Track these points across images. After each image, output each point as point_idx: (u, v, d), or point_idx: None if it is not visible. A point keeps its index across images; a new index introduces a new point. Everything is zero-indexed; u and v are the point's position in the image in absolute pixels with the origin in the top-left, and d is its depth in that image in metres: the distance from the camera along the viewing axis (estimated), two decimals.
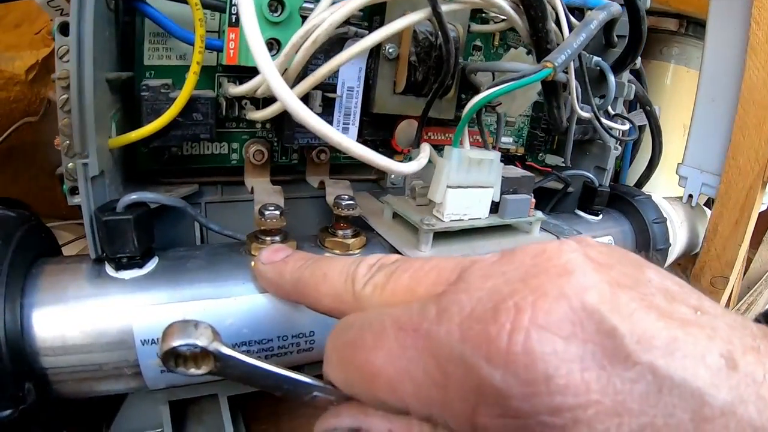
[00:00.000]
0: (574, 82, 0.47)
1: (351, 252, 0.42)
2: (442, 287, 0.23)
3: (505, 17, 0.42)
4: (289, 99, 0.32)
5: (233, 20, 0.38)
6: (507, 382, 0.18)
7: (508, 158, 0.64)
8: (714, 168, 0.69)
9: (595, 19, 0.42)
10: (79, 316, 0.33)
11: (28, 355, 0.32)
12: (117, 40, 0.38)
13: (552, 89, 0.44)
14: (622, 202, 0.66)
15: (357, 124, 0.47)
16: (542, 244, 0.22)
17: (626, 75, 0.60)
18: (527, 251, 0.22)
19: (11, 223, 0.35)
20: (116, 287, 0.35)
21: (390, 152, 0.53)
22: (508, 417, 0.18)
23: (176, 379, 0.36)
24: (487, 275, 0.21)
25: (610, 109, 0.58)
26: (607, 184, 0.63)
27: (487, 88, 0.39)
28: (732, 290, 0.71)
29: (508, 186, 0.46)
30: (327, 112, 0.44)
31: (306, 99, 0.41)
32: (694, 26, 0.94)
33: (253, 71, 0.38)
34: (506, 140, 0.63)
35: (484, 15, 0.51)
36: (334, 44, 0.40)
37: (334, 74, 0.42)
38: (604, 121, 0.55)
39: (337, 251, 0.42)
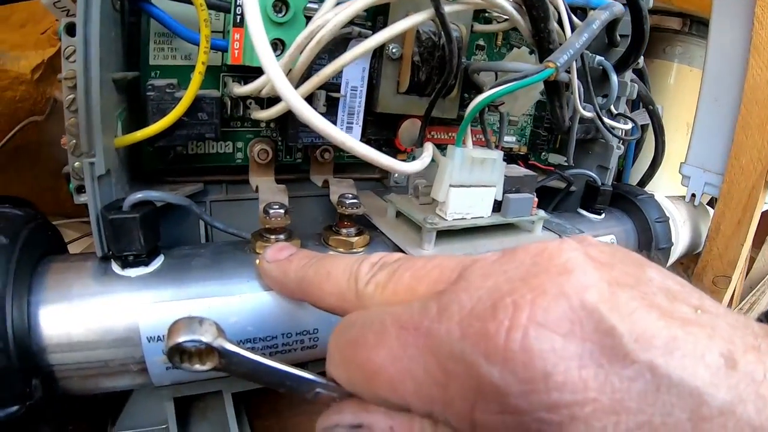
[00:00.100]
0: (576, 82, 0.47)
1: (355, 250, 0.42)
2: (443, 286, 0.23)
3: (508, 17, 0.42)
4: (294, 99, 0.32)
5: (238, 20, 0.38)
6: (505, 379, 0.18)
7: (510, 157, 0.64)
8: (717, 167, 0.69)
9: (598, 19, 0.42)
10: (86, 314, 0.34)
11: (35, 352, 0.32)
12: (123, 41, 0.39)
13: (555, 89, 0.44)
14: (624, 201, 0.66)
15: (361, 123, 0.47)
16: (543, 243, 0.22)
17: (629, 74, 0.60)
18: (528, 250, 0.22)
19: (18, 222, 0.35)
20: (122, 285, 0.35)
21: (393, 151, 0.53)
22: (506, 414, 0.18)
23: (181, 376, 0.37)
24: (488, 274, 0.21)
25: (612, 108, 0.59)
26: (610, 183, 0.63)
27: (490, 88, 0.39)
28: (734, 290, 0.71)
29: (511, 185, 0.47)
30: (331, 111, 0.45)
31: (310, 99, 0.41)
32: (698, 25, 0.94)
33: (257, 71, 0.39)
34: (509, 139, 0.63)
35: (486, 15, 0.51)
36: (338, 44, 0.40)
37: (338, 74, 0.42)
38: (606, 120, 0.55)
39: (341, 249, 0.42)
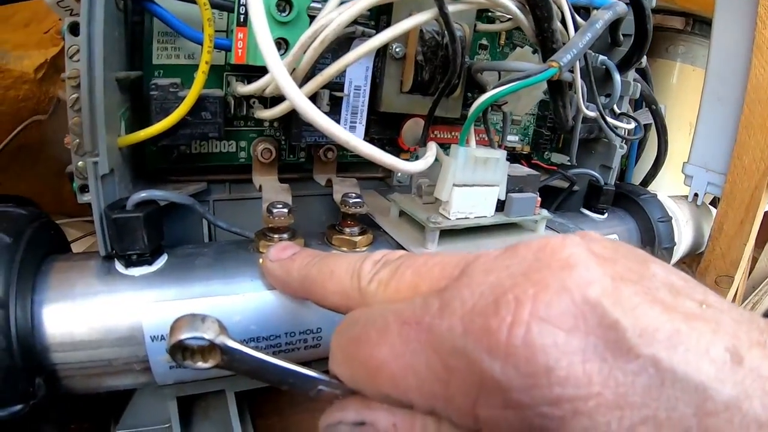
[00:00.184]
0: (579, 81, 0.47)
1: (358, 249, 0.42)
2: (445, 282, 0.23)
3: (511, 17, 0.42)
4: (298, 98, 0.32)
5: (241, 20, 0.38)
6: (507, 375, 0.18)
7: (513, 157, 0.64)
8: (720, 167, 0.68)
9: (601, 19, 0.42)
10: (89, 313, 0.34)
11: (39, 351, 0.32)
12: (126, 40, 0.39)
13: (558, 88, 0.44)
14: (627, 200, 0.66)
15: (364, 122, 0.47)
16: (545, 238, 0.22)
17: (632, 74, 0.60)
18: (530, 246, 0.22)
19: (22, 221, 0.35)
20: (126, 284, 0.35)
21: (397, 151, 0.53)
22: (508, 409, 0.18)
23: (184, 375, 0.37)
24: (490, 270, 0.21)
25: (615, 107, 0.58)
26: (613, 183, 0.63)
27: (493, 88, 0.39)
28: (737, 289, 0.71)
29: (514, 184, 0.47)
30: (334, 110, 0.45)
31: (314, 98, 0.41)
32: (700, 24, 0.93)
33: (260, 70, 0.39)
34: (512, 139, 0.63)
35: (490, 14, 0.51)
36: (341, 44, 0.40)
37: (342, 73, 0.42)
38: (609, 119, 0.55)
39: (345, 249, 0.42)
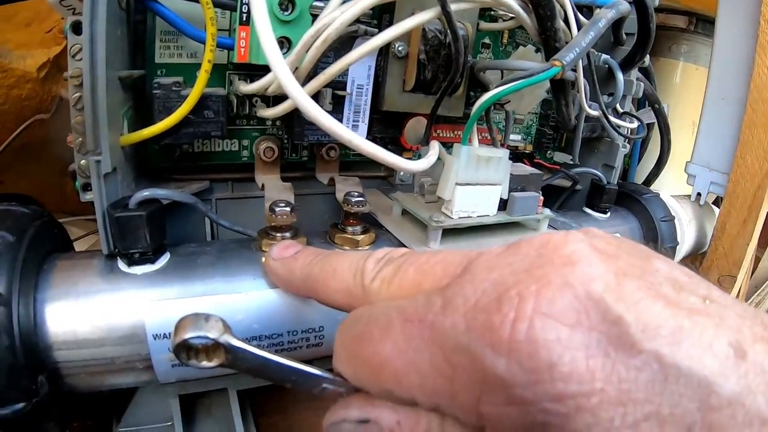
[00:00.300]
0: (582, 80, 0.47)
1: (360, 248, 0.42)
2: (447, 279, 0.23)
3: (514, 15, 0.42)
4: (300, 97, 0.32)
5: (244, 18, 0.38)
6: (510, 371, 0.18)
7: (516, 156, 0.64)
8: (722, 166, 0.68)
9: (604, 18, 0.42)
10: (92, 311, 0.34)
11: (41, 349, 0.32)
12: (129, 39, 0.39)
13: (560, 87, 0.44)
14: (630, 200, 0.66)
15: (366, 121, 0.47)
16: (548, 235, 0.22)
17: (635, 73, 0.60)
18: (532, 243, 0.22)
19: (24, 219, 0.35)
20: (128, 282, 0.35)
21: (399, 149, 0.53)
22: (512, 405, 0.18)
23: (187, 373, 0.37)
24: (492, 266, 0.21)
25: (618, 106, 0.58)
26: (615, 182, 0.63)
27: (496, 87, 0.39)
28: (740, 289, 0.71)
29: (517, 183, 0.47)
30: (337, 109, 0.45)
31: (316, 97, 0.41)
32: (703, 23, 0.93)
33: (263, 69, 0.39)
34: (515, 138, 0.63)
35: (492, 13, 0.51)
36: (344, 43, 0.40)
37: (344, 72, 0.42)
38: (612, 118, 0.55)
39: (347, 247, 0.42)
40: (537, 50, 0.51)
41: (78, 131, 0.35)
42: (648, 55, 0.56)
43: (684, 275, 0.20)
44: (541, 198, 0.48)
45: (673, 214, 0.65)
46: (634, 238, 0.62)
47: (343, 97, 0.45)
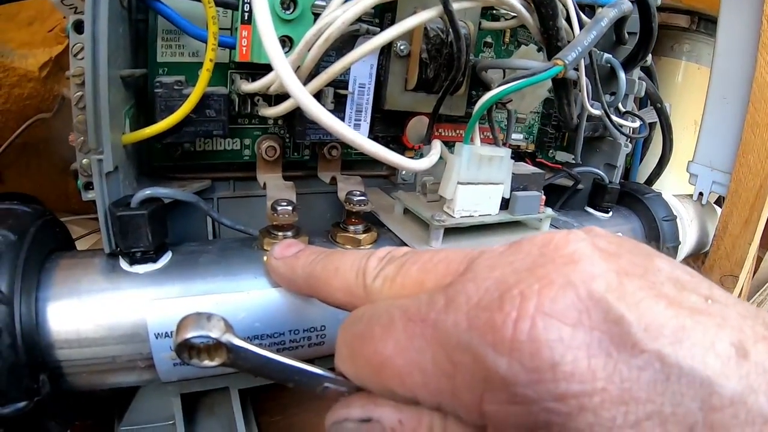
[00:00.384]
0: (584, 80, 0.47)
1: (362, 247, 0.42)
2: (450, 278, 0.23)
3: (516, 14, 0.42)
4: (302, 96, 0.32)
5: (246, 17, 0.38)
6: (513, 370, 0.18)
7: (518, 155, 0.64)
8: (725, 166, 0.68)
9: (606, 17, 0.42)
10: (94, 310, 0.34)
11: (43, 348, 0.32)
12: (131, 38, 0.39)
13: (562, 86, 0.44)
14: (631, 199, 0.66)
15: (368, 120, 0.47)
16: (550, 234, 0.22)
17: (637, 72, 0.60)
18: (535, 241, 0.22)
19: (26, 218, 0.35)
20: (130, 281, 0.35)
21: (401, 149, 0.53)
22: (514, 404, 0.18)
23: (188, 372, 0.37)
24: (495, 265, 0.21)
25: (620, 106, 0.58)
26: (617, 182, 0.63)
27: (498, 86, 0.39)
28: (741, 289, 0.71)
29: (519, 183, 0.47)
30: (339, 108, 0.45)
31: (318, 96, 0.41)
32: (706, 23, 0.93)
33: (265, 68, 0.39)
34: (517, 137, 0.63)
35: (494, 12, 0.51)
36: (346, 41, 0.40)
37: (346, 71, 0.42)
38: (614, 118, 0.55)
39: (349, 246, 0.42)
40: (539, 49, 0.51)
41: (80, 130, 0.35)
42: (650, 55, 0.56)
43: (686, 274, 0.20)
44: (543, 197, 0.48)
45: (675, 213, 0.65)
46: (636, 238, 0.62)
47: (345, 96, 0.45)
